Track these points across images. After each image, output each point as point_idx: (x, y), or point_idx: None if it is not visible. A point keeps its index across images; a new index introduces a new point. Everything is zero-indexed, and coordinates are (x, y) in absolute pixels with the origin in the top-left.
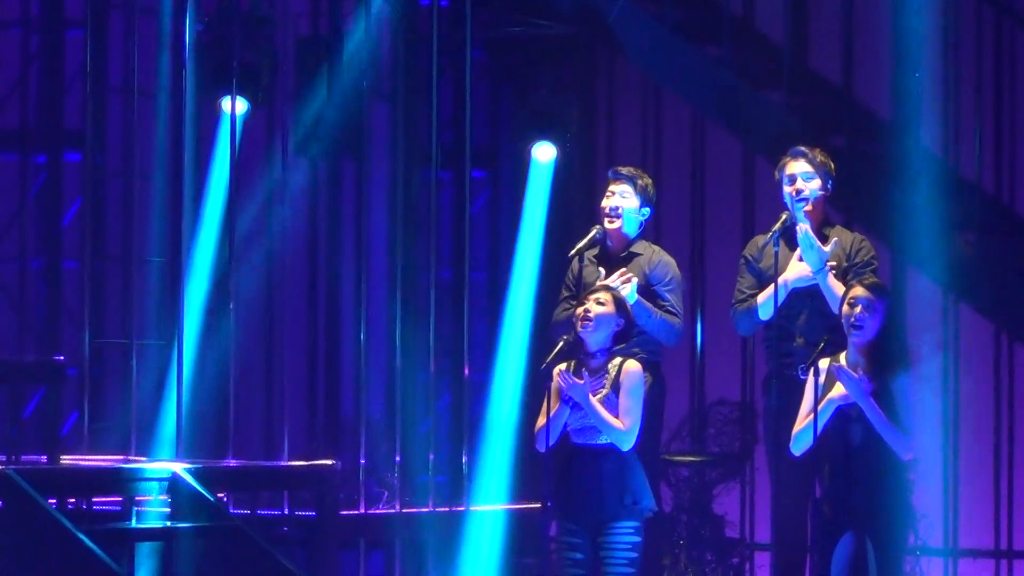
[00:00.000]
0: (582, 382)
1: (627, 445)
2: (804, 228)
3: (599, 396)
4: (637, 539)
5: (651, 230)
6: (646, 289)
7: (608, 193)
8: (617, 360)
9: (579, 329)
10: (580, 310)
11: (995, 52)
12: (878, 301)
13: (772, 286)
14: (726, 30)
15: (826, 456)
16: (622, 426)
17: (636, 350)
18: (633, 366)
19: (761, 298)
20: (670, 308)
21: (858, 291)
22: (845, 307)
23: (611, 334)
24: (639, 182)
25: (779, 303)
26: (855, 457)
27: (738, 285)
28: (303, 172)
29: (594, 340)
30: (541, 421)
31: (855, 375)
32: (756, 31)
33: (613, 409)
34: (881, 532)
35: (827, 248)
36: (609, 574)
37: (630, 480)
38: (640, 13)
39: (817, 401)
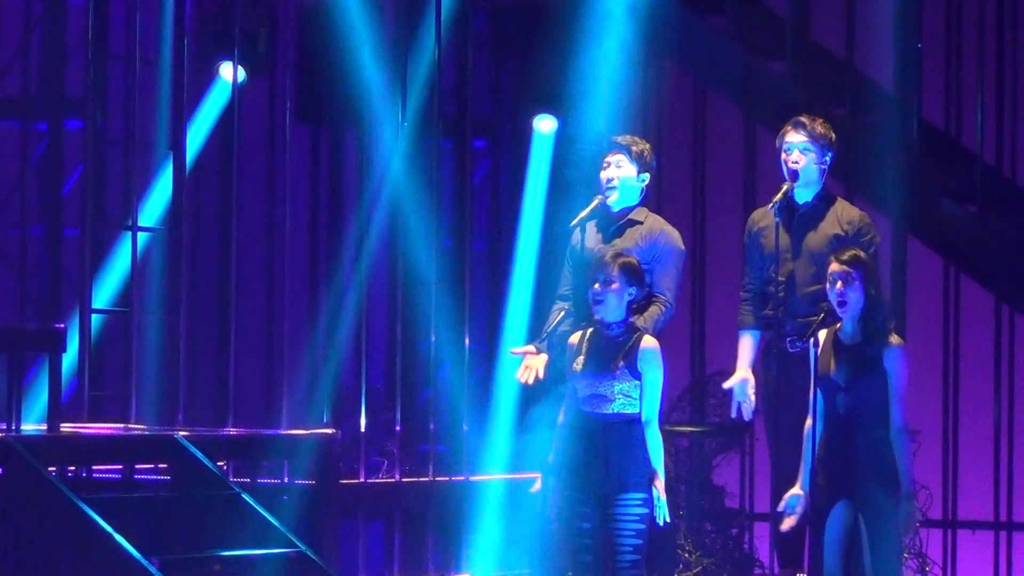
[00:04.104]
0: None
1: (656, 422)
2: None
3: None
4: (646, 511)
5: (652, 199)
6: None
7: (605, 164)
8: (634, 336)
9: (594, 312)
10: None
11: (997, 23)
12: (854, 272)
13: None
14: (729, 0)
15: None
16: (646, 421)
17: None
18: (648, 343)
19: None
20: (660, 292)
21: (833, 267)
22: (827, 285)
23: (626, 304)
24: (634, 149)
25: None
26: (840, 427)
27: (745, 272)
28: (304, 140)
29: (609, 315)
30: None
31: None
32: (759, 1)
33: (626, 380)
34: (869, 502)
35: None
36: (618, 544)
37: (639, 451)
38: None
39: (814, 374)
